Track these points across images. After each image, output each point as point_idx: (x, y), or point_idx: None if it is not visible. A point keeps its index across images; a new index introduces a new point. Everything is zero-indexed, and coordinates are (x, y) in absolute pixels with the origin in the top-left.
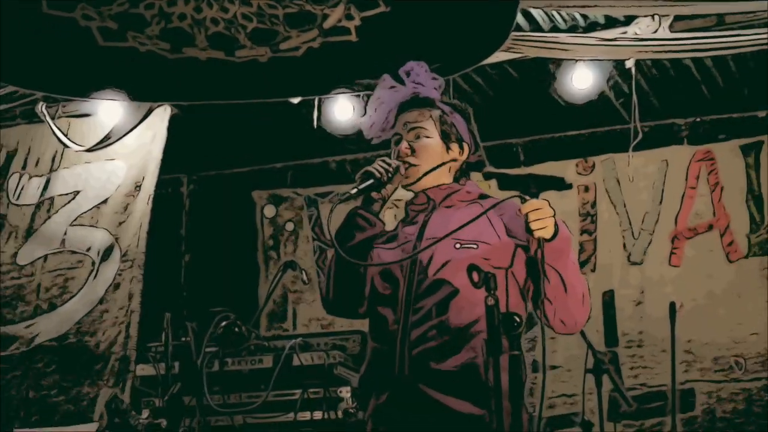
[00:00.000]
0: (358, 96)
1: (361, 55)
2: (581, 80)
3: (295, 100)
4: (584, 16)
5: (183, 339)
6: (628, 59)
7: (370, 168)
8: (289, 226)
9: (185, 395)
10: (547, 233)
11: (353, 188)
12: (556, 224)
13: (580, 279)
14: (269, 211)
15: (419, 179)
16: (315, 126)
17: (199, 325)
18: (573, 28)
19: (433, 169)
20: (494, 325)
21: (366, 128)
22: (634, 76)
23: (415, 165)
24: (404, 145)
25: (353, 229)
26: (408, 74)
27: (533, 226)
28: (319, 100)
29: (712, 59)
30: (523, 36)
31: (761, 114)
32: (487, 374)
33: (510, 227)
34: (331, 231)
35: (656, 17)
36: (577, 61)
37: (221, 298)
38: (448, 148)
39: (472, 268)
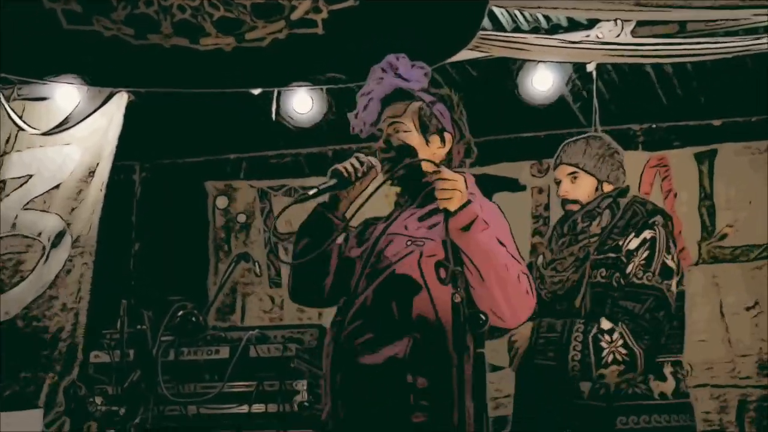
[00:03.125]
0: (319, 90)
1: (326, 48)
2: (542, 82)
3: (256, 92)
4: (547, 19)
5: (139, 327)
6: (590, 63)
7: (338, 166)
8: (241, 218)
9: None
10: (451, 205)
11: (315, 188)
12: (467, 203)
13: (512, 263)
14: (221, 202)
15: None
16: (273, 119)
17: (155, 314)
18: (535, 30)
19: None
20: (460, 323)
21: (353, 122)
22: (595, 80)
23: (391, 159)
24: (381, 140)
25: (314, 227)
26: (389, 68)
27: (438, 195)
28: (278, 93)
29: (672, 66)
30: (489, 35)
31: (716, 122)
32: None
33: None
34: (277, 225)
35: (619, 22)
36: (538, 62)
37: (170, 287)
38: (427, 141)
39: (439, 264)
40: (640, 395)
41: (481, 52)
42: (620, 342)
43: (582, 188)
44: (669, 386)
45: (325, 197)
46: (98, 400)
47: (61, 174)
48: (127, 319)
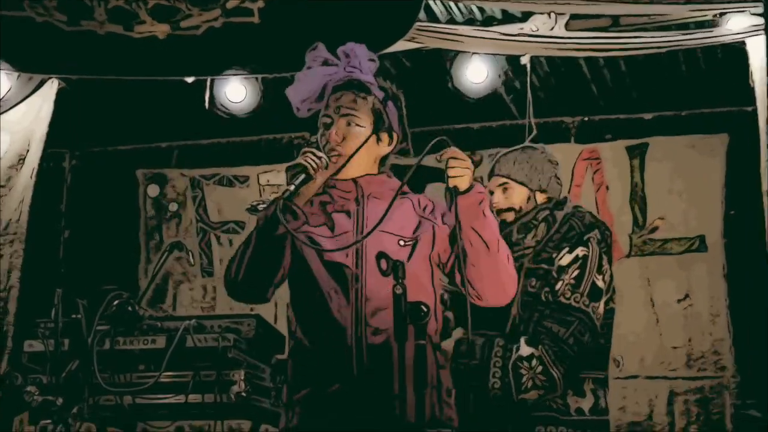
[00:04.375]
0: (254, 78)
1: (262, 37)
2: (476, 74)
3: (190, 80)
4: (481, 10)
5: (73, 316)
6: (524, 55)
7: (302, 161)
8: (173, 207)
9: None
10: (463, 183)
11: (290, 185)
12: (474, 184)
13: (503, 244)
14: (152, 190)
15: (343, 167)
16: (207, 107)
17: (89, 303)
18: (470, 22)
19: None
20: (401, 313)
21: (294, 99)
22: (529, 73)
23: (345, 155)
24: (334, 132)
25: (277, 220)
26: (347, 55)
27: (451, 173)
28: (212, 81)
29: (604, 60)
30: (425, 26)
31: (648, 116)
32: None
33: (444, 215)
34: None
35: (552, 15)
36: (473, 54)
37: (101, 276)
38: (378, 139)
39: (380, 255)
40: (555, 409)
41: (417, 43)
42: (539, 369)
43: (513, 198)
44: (587, 403)
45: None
46: (33, 389)
47: None
48: (61, 307)
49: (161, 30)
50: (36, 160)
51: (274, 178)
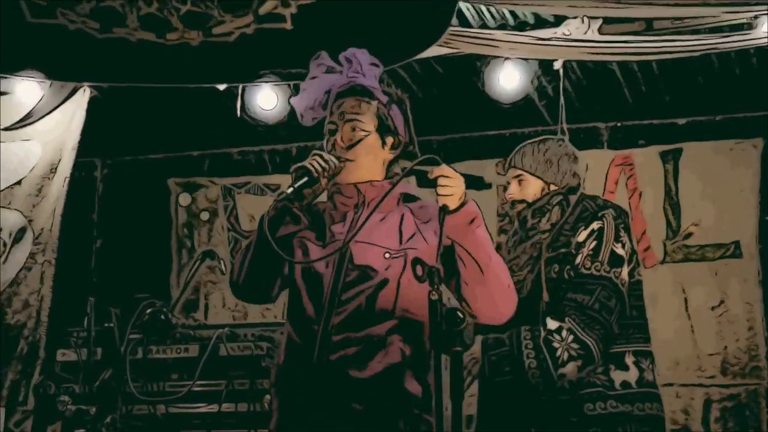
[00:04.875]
0: (286, 86)
1: (294, 43)
2: (508, 79)
3: (222, 87)
4: (514, 16)
5: (106, 325)
6: (557, 60)
7: (306, 164)
8: (204, 216)
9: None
10: (451, 202)
11: (289, 187)
12: (465, 202)
13: (501, 265)
14: (184, 199)
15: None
16: (238, 115)
17: (122, 312)
18: (502, 27)
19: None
20: (437, 321)
21: (298, 108)
22: (562, 78)
23: (350, 160)
24: (339, 138)
25: (279, 222)
26: (348, 61)
27: (439, 190)
28: (243, 89)
29: (638, 64)
30: (459, 31)
31: (681, 121)
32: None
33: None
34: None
35: (585, 20)
36: (505, 60)
37: (132, 285)
38: (383, 143)
39: (416, 261)
40: (600, 385)
41: (450, 48)
42: (570, 338)
43: (527, 190)
44: (632, 375)
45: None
46: (66, 398)
47: (22, 170)
48: (94, 316)
49: (193, 37)
50: (68, 170)
51: None
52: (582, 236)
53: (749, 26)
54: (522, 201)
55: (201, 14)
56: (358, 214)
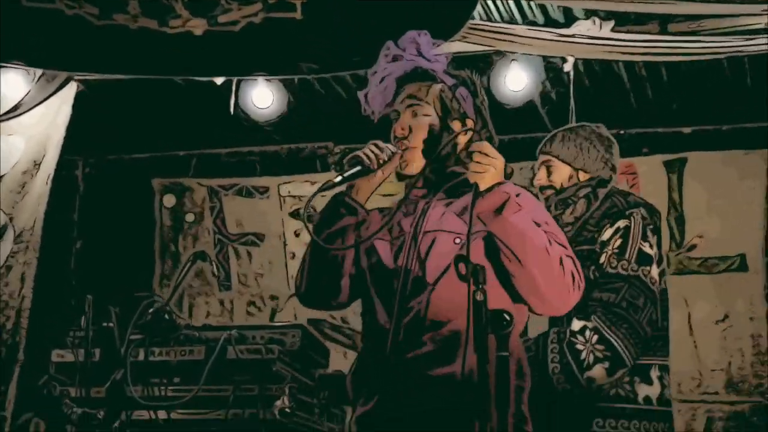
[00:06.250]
0: (280, 84)
1: (304, 34)
2: (514, 83)
3: (219, 81)
4: (522, 14)
5: (105, 324)
6: (567, 63)
7: (359, 153)
8: (190, 217)
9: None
10: (482, 181)
11: (338, 175)
12: (499, 184)
13: (550, 251)
14: (169, 200)
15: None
16: (231, 112)
17: (121, 311)
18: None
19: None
20: (482, 324)
21: (367, 102)
22: (572, 80)
23: (413, 147)
24: (399, 125)
25: (335, 216)
26: (411, 44)
27: (471, 167)
28: (238, 85)
29: (646, 70)
30: (478, 25)
31: (687, 130)
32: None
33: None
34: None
35: (596, 21)
36: (512, 61)
37: (113, 287)
38: (448, 127)
39: (459, 259)
40: (623, 397)
41: (468, 42)
42: (595, 338)
43: (555, 176)
44: (654, 391)
45: (342, 187)
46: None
47: (5, 165)
48: (92, 315)
49: (198, 25)
50: (52, 167)
51: (295, 189)
52: (606, 234)
53: (766, 31)
54: (550, 187)
55: (206, 1)
56: (427, 205)
